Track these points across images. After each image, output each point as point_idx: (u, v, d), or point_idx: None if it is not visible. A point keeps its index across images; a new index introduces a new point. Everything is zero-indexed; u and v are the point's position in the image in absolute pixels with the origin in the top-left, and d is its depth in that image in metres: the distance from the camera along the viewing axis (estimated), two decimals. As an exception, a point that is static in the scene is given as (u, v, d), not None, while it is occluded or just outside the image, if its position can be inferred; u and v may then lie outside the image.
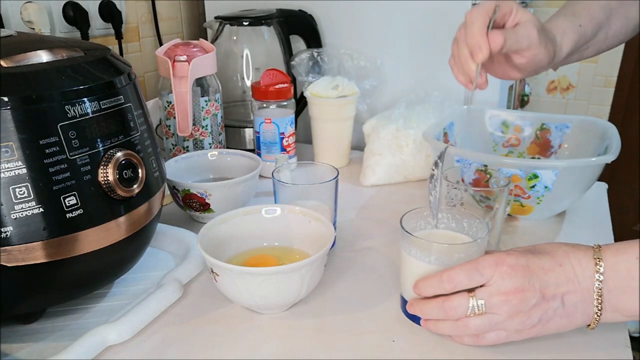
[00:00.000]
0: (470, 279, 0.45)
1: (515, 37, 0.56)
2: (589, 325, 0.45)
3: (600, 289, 0.43)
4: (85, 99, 0.45)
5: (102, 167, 0.46)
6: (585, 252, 0.45)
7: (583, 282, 0.44)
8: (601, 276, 0.43)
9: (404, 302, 0.53)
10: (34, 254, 0.43)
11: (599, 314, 0.44)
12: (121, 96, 0.49)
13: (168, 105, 0.84)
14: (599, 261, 0.43)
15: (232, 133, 0.99)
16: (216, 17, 1.00)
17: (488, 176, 0.67)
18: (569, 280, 0.44)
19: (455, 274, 0.45)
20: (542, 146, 0.83)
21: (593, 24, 0.64)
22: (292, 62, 0.95)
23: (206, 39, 1.08)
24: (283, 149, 0.87)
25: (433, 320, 0.48)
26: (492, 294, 0.44)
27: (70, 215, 0.44)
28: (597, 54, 0.68)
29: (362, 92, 0.94)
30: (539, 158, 0.83)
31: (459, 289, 0.45)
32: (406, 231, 0.49)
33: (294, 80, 0.95)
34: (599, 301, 0.43)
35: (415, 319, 0.51)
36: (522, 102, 1.65)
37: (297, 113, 0.99)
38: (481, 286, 0.45)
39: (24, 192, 0.41)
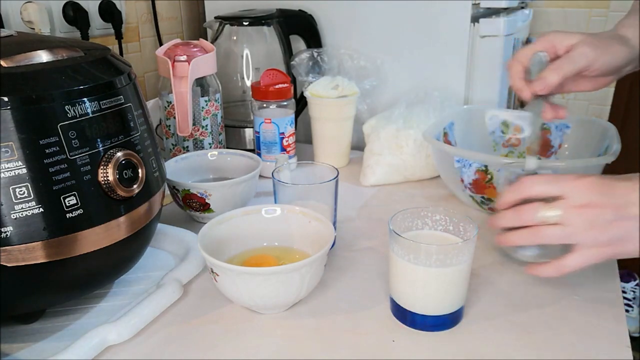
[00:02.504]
0: (547, 188, 0.46)
1: (571, 61, 0.56)
2: None
3: None
4: (85, 99, 0.45)
5: (102, 167, 0.46)
6: None
7: None
8: None
9: (394, 304, 0.53)
10: (34, 254, 0.43)
11: None
12: (121, 96, 0.49)
13: (168, 105, 0.84)
14: None
15: (232, 133, 0.99)
16: (216, 17, 1.00)
17: (489, 176, 0.67)
18: None
19: (534, 181, 0.46)
20: (542, 146, 0.83)
21: None
22: (292, 62, 0.95)
23: (206, 39, 1.08)
24: (283, 149, 0.87)
25: (509, 233, 0.48)
26: (568, 206, 0.44)
27: (70, 215, 0.44)
28: None
29: (362, 92, 0.94)
30: (539, 158, 0.83)
31: (535, 196, 0.46)
32: (395, 232, 0.49)
33: (294, 80, 0.95)
34: None
35: (405, 321, 0.52)
36: (522, 102, 1.65)
37: (297, 113, 0.99)
38: (559, 199, 0.46)
39: (24, 192, 0.41)
